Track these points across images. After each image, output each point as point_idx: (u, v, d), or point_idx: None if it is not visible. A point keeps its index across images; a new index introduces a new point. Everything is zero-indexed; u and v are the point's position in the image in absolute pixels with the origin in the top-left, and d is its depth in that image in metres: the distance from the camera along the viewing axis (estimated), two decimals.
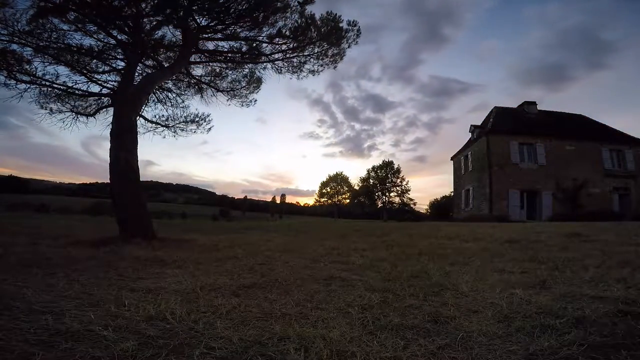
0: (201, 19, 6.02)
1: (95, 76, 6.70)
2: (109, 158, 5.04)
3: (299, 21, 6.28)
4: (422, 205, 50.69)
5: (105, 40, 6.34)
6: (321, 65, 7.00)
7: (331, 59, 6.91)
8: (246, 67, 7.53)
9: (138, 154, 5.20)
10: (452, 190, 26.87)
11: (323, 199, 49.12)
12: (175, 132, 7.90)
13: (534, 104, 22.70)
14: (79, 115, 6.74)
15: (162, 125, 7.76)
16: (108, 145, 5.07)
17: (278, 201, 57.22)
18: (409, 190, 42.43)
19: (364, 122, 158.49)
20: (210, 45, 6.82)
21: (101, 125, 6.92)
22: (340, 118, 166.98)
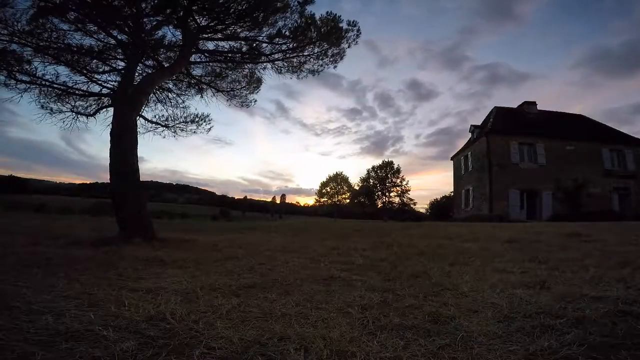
0: (201, 19, 6.02)
1: (95, 76, 6.70)
2: (108, 158, 5.04)
3: (299, 21, 6.28)
4: (424, 205, 50.46)
5: (105, 40, 6.34)
6: (321, 65, 7.00)
7: (331, 59, 6.91)
8: (246, 67, 7.53)
9: None
10: (453, 190, 26.89)
11: (323, 199, 49.15)
12: (175, 132, 7.90)
13: (534, 104, 22.72)
14: (79, 115, 6.73)
15: (162, 125, 7.76)
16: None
17: (278, 201, 57.28)
18: (409, 190, 42.52)
19: (394, 114, 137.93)
20: (210, 45, 6.83)
21: (101, 125, 6.92)
22: (368, 111, 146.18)
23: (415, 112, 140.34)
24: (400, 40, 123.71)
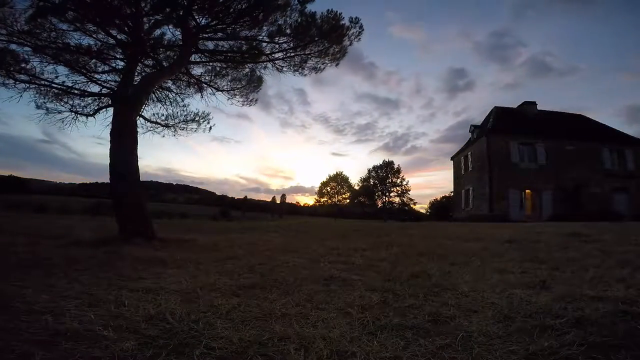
0: (201, 18, 6.00)
1: (95, 76, 6.69)
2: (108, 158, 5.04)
3: (300, 19, 6.26)
4: (424, 205, 50.26)
5: (104, 40, 6.32)
6: (323, 63, 6.98)
7: (332, 57, 6.88)
8: (246, 66, 7.51)
9: None
10: (453, 189, 26.90)
11: (323, 199, 49.13)
12: (175, 131, 7.89)
13: (534, 104, 22.71)
14: (78, 115, 6.72)
15: (162, 125, 7.75)
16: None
17: (278, 201, 57.40)
18: (409, 190, 42.51)
19: (425, 106, 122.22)
20: (210, 45, 6.81)
21: (101, 125, 6.92)
22: (396, 105, 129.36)
23: (446, 105, 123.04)
24: (442, 23, 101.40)
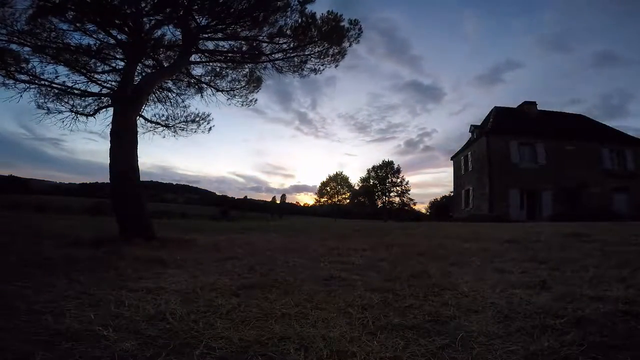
0: (201, 18, 6.01)
1: (95, 76, 6.68)
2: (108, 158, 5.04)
3: (300, 20, 6.27)
4: (425, 205, 50.22)
5: (104, 40, 6.31)
6: (322, 64, 6.99)
7: (332, 58, 6.89)
8: (246, 66, 7.51)
9: None
10: (453, 189, 26.90)
11: (323, 199, 49.15)
12: (175, 132, 7.89)
13: (534, 104, 22.72)
14: (78, 115, 6.72)
15: (162, 125, 7.75)
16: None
17: (278, 201, 57.54)
18: (409, 190, 42.55)
19: (458, 101, 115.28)
20: (210, 45, 6.81)
21: (101, 125, 6.92)
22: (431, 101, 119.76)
23: (481, 99, 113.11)
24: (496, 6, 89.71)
